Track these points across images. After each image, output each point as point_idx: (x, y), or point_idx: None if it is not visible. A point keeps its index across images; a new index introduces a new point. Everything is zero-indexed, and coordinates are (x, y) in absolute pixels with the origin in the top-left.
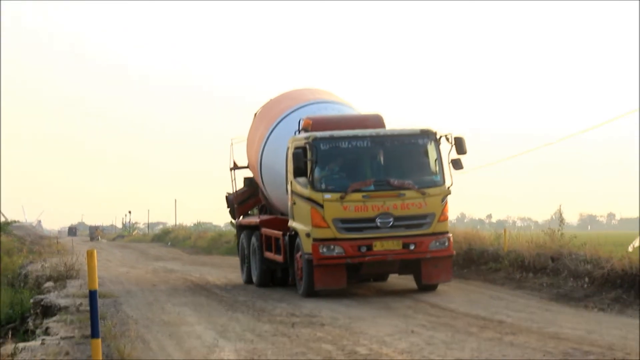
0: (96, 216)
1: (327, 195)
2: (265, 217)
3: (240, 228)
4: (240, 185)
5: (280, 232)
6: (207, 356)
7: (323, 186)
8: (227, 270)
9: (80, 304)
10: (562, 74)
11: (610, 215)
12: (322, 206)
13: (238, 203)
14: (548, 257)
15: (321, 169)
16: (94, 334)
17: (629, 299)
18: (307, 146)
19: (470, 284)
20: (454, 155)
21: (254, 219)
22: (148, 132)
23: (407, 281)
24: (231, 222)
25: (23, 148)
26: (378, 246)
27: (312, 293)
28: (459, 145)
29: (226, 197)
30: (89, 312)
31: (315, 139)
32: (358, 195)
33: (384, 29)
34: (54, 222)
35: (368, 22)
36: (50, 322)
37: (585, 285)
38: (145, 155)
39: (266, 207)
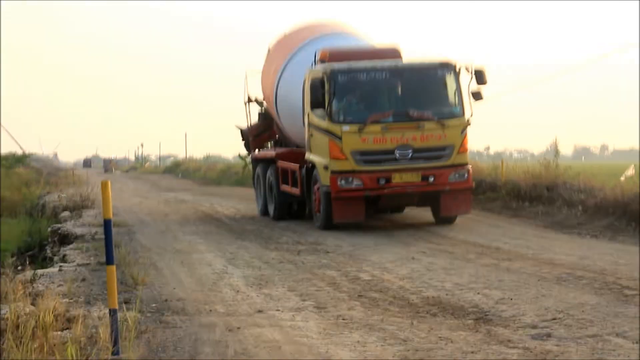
0: (110, 149)
1: (346, 127)
2: (281, 150)
3: (255, 161)
4: (254, 118)
5: (297, 165)
6: (216, 282)
7: (341, 118)
8: (236, 201)
9: (96, 233)
10: (558, 6)
11: (604, 147)
12: (340, 138)
13: (253, 136)
14: (543, 187)
15: (339, 100)
16: (109, 260)
17: (620, 226)
18: (325, 78)
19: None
20: (474, 86)
21: (269, 152)
22: (159, 66)
23: (418, 212)
24: (239, 154)
25: (40, 82)
26: (397, 178)
27: (330, 226)
28: (479, 76)
29: (241, 130)
30: (103, 240)
31: (333, 71)
32: (377, 127)
33: None
34: (69, 154)
35: None
36: (67, 250)
37: (579, 214)
38: (157, 89)
39: (281, 140)
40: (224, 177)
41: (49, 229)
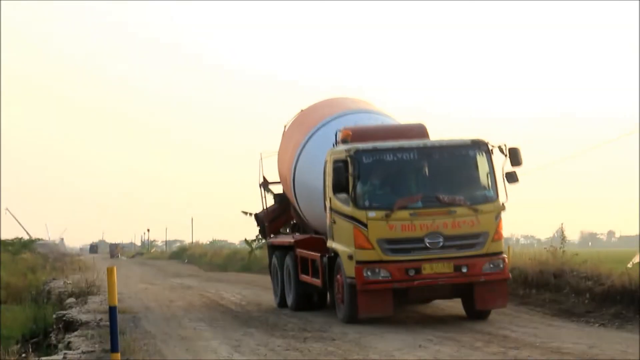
0: (116, 234)
1: (372, 214)
2: (299, 236)
3: (272, 248)
4: (269, 202)
5: (318, 254)
6: None
7: (367, 203)
8: (242, 287)
9: (101, 319)
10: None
11: (610, 233)
12: (365, 225)
13: (269, 221)
14: (550, 273)
15: (364, 184)
16: (114, 348)
17: (629, 314)
18: (349, 159)
19: None
20: (508, 167)
21: (287, 239)
22: (166, 151)
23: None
24: (245, 239)
25: (46, 167)
26: (427, 269)
27: (354, 320)
28: (514, 156)
29: (255, 215)
30: (109, 327)
31: (357, 151)
32: (405, 213)
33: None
34: (76, 239)
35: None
36: (72, 337)
37: (587, 301)
38: (164, 173)
39: (299, 225)
40: (230, 263)
41: (54, 316)
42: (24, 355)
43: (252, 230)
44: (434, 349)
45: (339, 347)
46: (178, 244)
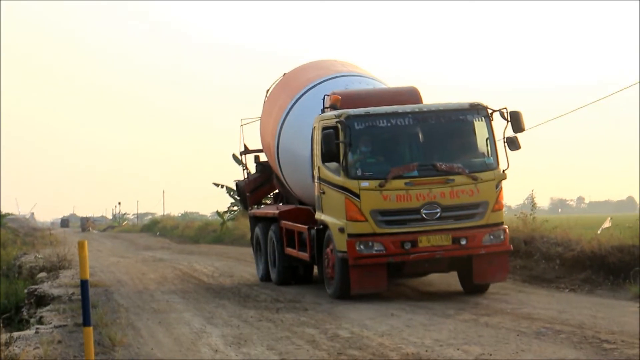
0: (87, 208)
1: (364, 183)
2: (284, 207)
3: (254, 219)
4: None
5: (305, 226)
6: (195, 341)
7: (359, 172)
8: (214, 258)
9: (73, 294)
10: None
11: (580, 199)
12: (358, 196)
13: (250, 191)
14: (521, 240)
15: (355, 152)
16: (86, 322)
17: (598, 279)
18: (339, 125)
19: None
20: (509, 133)
21: (271, 210)
22: (136, 123)
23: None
24: (217, 211)
25: (15, 141)
26: (424, 242)
27: (346, 296)
28: (516, 121)
29: (236, 184)
30: (80, 301)
31: (349, 117)
32: (400, 182)
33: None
34: (46, 214)
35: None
36: (44, 312)
37: (557, 267)
38: (134, 145)
39: (282, 194)
40: (202, 235)
41: (26, 291)
42: None
43: (223, 202)
44: (406, 317)
45: (311, 317)
46: (150, 217)
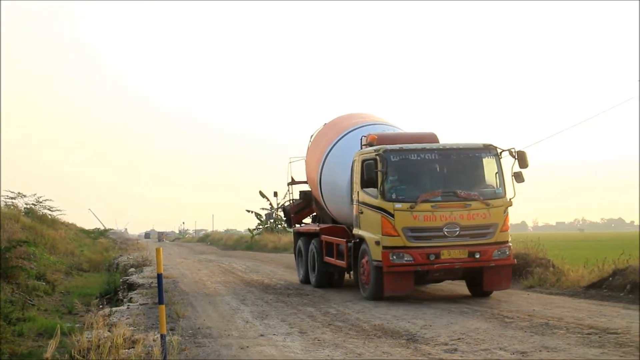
0: (162, 225)
1: (398, 205)
2: (324, 225)
3: (297, 234)
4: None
5: (343, 240)
6: (232, 315)
7: (393, 196)
8: (246, 260)
9: (152, 282)
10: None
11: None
12: (392, 215)
13: (294, 213)
14: None
15: (391, 179)
16: (160, 301)
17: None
18: (378, 157)
19: None
20: (516, 168)
21: (313, 227)
22: (198, 161)
23: None
24: (249, 229)
25: (118, 174)
26: (445, 254)
27: (379, 297)
28: (522, 158)
29: (283, 207)
30: (157, 287)
31: (386, 151)
32: (427, 205)
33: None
34: (135, 229)
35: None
36: (133, 294)
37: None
38: (195, 179)
39: (319, 216)
40: (238, 244)
41: (121, 280)
42: (101, 306)
43: (253, 223)
44: (374, 301)
45: (311, 300)
46: (203, 232)
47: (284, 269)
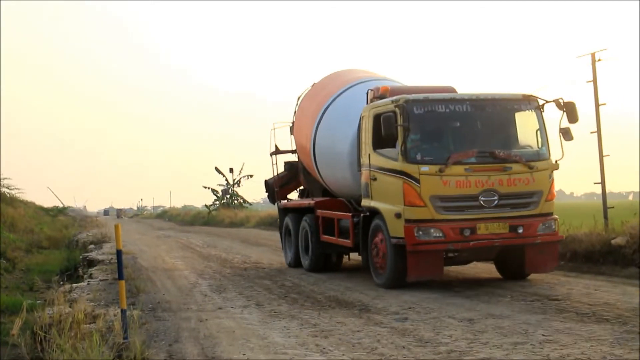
0: (120, 202)
1: (424, 168)
2: (320, 198)
3: (284, 211)
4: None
5: (348, 214)
6: (191, 289)
7: (418, 157)
8: (204, 235)
9: (111, 259)
10: None
11: None
12: (417, 181)
13: (279, 187)
14: None
15: (415, 136)
16: (120, 277)
17: None
18: (398, 109)
19: None
20: (564, 123)
21: (305, 201)
22: (156, 137)
23: None
24: (205, 204)
25: (74, 154)
26: (482, 229)
27: (400, 284)
28: (571, 111)
29: (265, 181)
30: (116, 263)
31: (408, 101)
32: (459, 168)
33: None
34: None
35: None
36: (93, 270)
37: None
38: (151, 155)
39: (307, 190)
40: (195, 220)
41: (81, 257)
42: (61, 282)
43: (209, 199)
44: (328, 274)
45: (267, 273)
46: (161, 208)
47: (240, 243)
